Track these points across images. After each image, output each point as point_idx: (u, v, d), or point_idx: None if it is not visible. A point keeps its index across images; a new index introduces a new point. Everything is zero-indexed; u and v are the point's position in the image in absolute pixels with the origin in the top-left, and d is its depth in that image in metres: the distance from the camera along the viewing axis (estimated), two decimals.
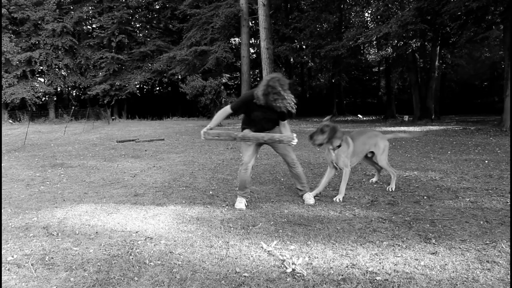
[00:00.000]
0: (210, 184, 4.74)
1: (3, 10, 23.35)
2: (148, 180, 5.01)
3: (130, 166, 6.21)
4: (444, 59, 20.29)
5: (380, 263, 2.35)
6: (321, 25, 21.56)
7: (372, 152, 4.28)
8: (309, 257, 2.45)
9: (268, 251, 2.56)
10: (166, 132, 12.85)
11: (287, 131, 3.63)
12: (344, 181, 3.90)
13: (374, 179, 4.67)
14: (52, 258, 2.49)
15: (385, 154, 4.20)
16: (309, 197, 3.78)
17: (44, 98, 26.39)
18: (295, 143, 3.41)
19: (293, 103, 3.38)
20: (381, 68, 31.11)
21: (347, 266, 2.31)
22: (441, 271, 2.23)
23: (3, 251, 2.60)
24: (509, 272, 2.19)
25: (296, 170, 3.80)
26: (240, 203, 3.65)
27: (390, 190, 4.20)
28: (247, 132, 3.55)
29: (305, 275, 2.20)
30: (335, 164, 3.93)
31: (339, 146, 3.84)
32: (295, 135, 3.42)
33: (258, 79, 29.09)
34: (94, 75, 26.46)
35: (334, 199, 3.85)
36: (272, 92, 3.27)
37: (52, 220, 3.30)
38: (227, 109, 3.50)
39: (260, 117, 3.54)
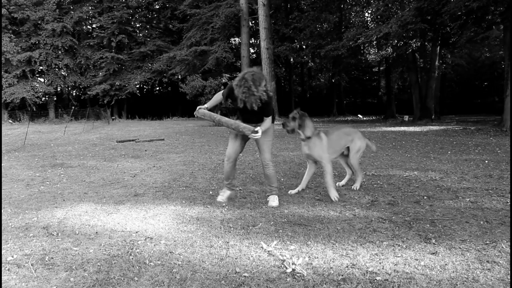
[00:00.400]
0: (210, 184, 4.74)
1: (3, 10, 23.36)
2: (148, 180, 5.01)
3: (130, 166, 6.21)
4: (444, 59, 20.30)
5: (380, 263, 2.35)
6: (321, 25, 21.57)
7: (348, 149, 4.24)
8: (309, 257, 2.45)
9: (268, 251, 2.56)
10: (166, 132, 12.85)
11: (262, 127, 3.52)
12: (328, 175, 3.87)
13: (342, 182, 4.49)
14: (52, 258, 2.49)
15: (359, 153, 4.23)
16: (273, 199, 3.72)
17: (44, 98, 26.39)
18: (254, 136, 3.39)
19: (259, 102, 3.34)
20: (381, 68, 31.13)
21: (347, 266, 2.31)
22: (441, 271, 2.23)
23: (3, 251, 2.60)
24: (509, 272, 2.19)
25: (268, 171, 3.75)
26: (222, 195, 3.85)
27: (355, 188, 4.23)
28: (222, 117, 3.64)
29: (305, 275, 2.20)
30: (312, 159, 3.97)
31: (309, 138, 3.85)
32: (259, 129, 3.40)
33: None
34: (94, 75, 26.47)
35: (332, 198, 3.84)
36: (243, 85, 3.27)
37: (52, 220, 3.30)
38: (219, 93, 3.68)
39: (240, 107, 3.50)
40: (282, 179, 4.96)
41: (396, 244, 2.63)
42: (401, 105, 30.32)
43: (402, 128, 13.30)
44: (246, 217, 3.32)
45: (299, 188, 4.17)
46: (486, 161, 5.99)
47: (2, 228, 3.10)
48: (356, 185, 4.29)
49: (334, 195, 3.84)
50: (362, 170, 4.57)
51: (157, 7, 28.72)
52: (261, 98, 3.33)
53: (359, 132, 4.30)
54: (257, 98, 3.30)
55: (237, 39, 26.46)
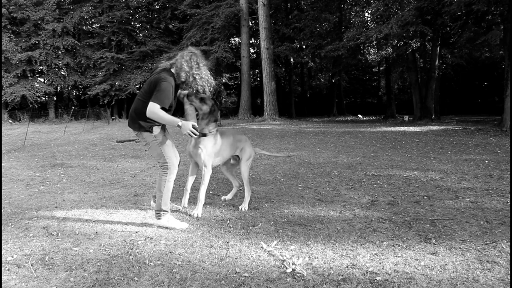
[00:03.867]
0: (210, 184, 4.74)
1: (3, 10, 23.35)
2: (148, 180, 5.01)
3: (130, 166, 6.21)
4: (444, 59, 20.29)
5: (380, 263, 2.35)
6: (321, 25, 21.56)
7: (237, 158, 3.67)
8: (309, 257, 2.45)
9: (268, 251, 2.55)
10: None
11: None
12: (204, 186, 3.31)
13: (228, 197, 3.90)
14: (52, 258, 2.49)
15: (249, 162, 3.63)
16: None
17: (44, 98, 26.38)
18: (183, 132, 2.91)
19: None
20: (381, 68, 31.13)
21: (347, 266, 2.30)
22: (441, 271, 2.23)
23: (3, 251, 2.60)
24: (509, 272, 2.19)
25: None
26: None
27: (243, 210, 3.51)
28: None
29: (305, 275, 2.20)
30: (196, 160, 3.34)
31: (204, 135, 3.19)
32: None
33: (258, 79, 29.11)
34: (94, 74, 26.45)
35: (192, 213, 3.33)
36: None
37: (52, 220, 3.30)
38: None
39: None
40: (282, 179, 4.96)
41: (396, 244, 2.63)
42: (401, 105, 30.32)
43: (402, 128, 13.29)
44: (246, 217, 3.32)
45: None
46: (486, 161, 5.99)
47: (2, 228, 3.10)
48: (245, 206, 3.58)
49: (197, 213, 3.35)
50: (250, 186, 3.76)
51: (157, 7, 28.68)
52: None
53: (249, 141, 3.72)
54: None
55: (237, 39, 26.44)
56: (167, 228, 3.03)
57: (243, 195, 3.71)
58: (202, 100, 3.12)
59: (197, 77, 2.94)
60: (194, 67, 2.92)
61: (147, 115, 2.80)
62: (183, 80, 2.93)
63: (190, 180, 3.44)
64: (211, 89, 3.05)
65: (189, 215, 3.35)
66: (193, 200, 3.78)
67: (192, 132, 2.90)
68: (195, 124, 2.96)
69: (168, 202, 3.08)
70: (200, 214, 3.33)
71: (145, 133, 2.98)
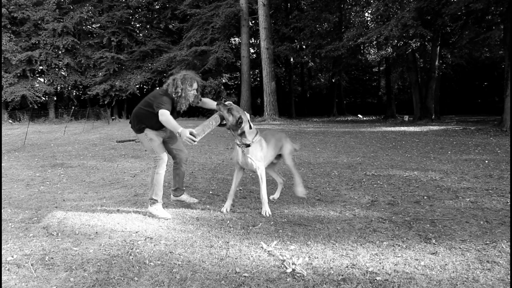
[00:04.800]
0: (210, 184, 4.74)
1: (3, 10, 23.35)
2: (148, 180, 5.01)
3: (130, 166, 6.21)
4: (444, 59, 20.29)
5: (380, 263, 2.35)
6: (321, 25, 21.56)
7: (278, 157, 3.80)
8: (309, 257, 2.45)
9: (268, 251, 2.55)
10: None
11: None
12: (263, 186, 3.43)
13: (275, 196, 3.98)
14: (52, 258, 2.49)
15: (291, 156, 3.78)
16: (189, 198, 3.81)
17: (44, 98, 26.39)
18: (182, 139, 3.16)
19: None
20: (381, 68, 31.13)
21: (347, 266, 2.30)
22: (441, 271, 2.23)
23: (3, 251, 2.60)
24: (509, 272, 2.19)
25: (184, 168, 3.73)
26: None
27: (299, 193, 3.66)
28: (206, 125, 3.42)
29: (305, 275, 2.20)
30: (248, 168, 3.50)
31: (248, 145, 3.32)
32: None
33: (258, 79, 29.10)
34: (94, 74, 26.46)
35: (262, 213, 3.38)
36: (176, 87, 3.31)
37: (52, 220, 3.30)
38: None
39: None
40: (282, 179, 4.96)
41: (396, 244, 2.63)
42: (401, 105, 30.32)
43: (402, 128, 13.29)
44: (246, 217, 3.32)
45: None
46: (486, 161, 5.99)
47: (2, 228, 3.10)
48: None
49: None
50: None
51: (157, 7, 28.70)
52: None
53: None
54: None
55: (237, 39, 26.46)
56: (152, 214, 3.37)
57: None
58: (229, 110, 3.25)
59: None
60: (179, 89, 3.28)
61: (159, 118, 3.16)
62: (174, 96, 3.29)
63: (234, 186, 3.57)
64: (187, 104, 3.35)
65: (261, 215, 3.38)
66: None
67: (191, 139, 3.00)
68: (194, 131, 3.06)
69: (158, 193, 3.41)
70: (269, 211, 3.42)
71: (140, 135, 3.45)
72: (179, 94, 3.25)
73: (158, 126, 3.35)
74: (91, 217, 3.38)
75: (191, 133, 3.02)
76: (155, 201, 3.40)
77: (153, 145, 3.40)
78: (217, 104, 3.36)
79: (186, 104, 3.33)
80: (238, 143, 3.34)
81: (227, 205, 3.52)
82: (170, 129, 3.22)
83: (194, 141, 3.03)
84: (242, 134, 3.29)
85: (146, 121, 3.35)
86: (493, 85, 29.43)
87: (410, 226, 3.02)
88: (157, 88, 3.64)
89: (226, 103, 3.30)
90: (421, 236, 2.78)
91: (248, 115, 3.39)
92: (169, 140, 3.57)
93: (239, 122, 3.22)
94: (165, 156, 3.43)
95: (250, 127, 3.31)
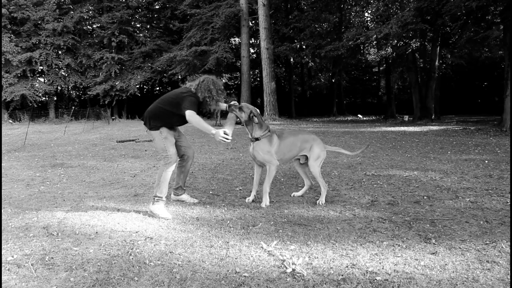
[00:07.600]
0: (210, 184, 4.74)
1: (3, 10, 23.34)
2: (148, 180, 5.01)
3: (130, 166, 6.21)
4: (444, 59, 20.29)
5: (380, 263, 2.35)
6: (321, 25, 21.56)
7: (306, 158, 3.87)
8: (309, 257, 2.45)
9: (268, 251, 2.56)
10: None
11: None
12: (268, 178, 3.63)
13: (298, 193, 4.05)
14: (52, 258, 2.49)
15: (318, 162, 3.80)
16: (189, 198, 3.90)
17: (44, 98, 26.39)
18: (216, 139, 3.31)
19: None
20: (381, 68, 31.10)
21: (347, 266, 2.31)
22: (441, 271, 2.23)
23: (3, 251, 2.60)
24: (509, 272, 2.19)
25: (189, 166, 3.82)
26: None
27: (320, 204, 3.68)
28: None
29: (305, 275, 2.20)
30: (256, 161, 3.72)
31: (257, 139, 3.61)
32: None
33: (258, 79, 29.10)
34: (94, 75, 26.44)
35: (261, 205, 3.55)
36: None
37: (52, 220, 3.30)
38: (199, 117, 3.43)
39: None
40: (282, 179, 4.96)
41: (396, 244, 2.63)
42: (401, 105, 30.31)
43: (402, 128, 13.30)
44: (246, 217, 3.32)
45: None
46: (486, 161, 5.99)
47: (2, 228, 3.10)
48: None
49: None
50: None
51: (157, 7, 28.69)
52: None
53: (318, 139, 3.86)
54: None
55: (237, 39, 26.43)
56: (153, 213, 3.36)
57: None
58: (240, 109, 3.58)
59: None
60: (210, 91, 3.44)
61: (188, 119, 3.27)
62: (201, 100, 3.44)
63: (256, 178, 3.82)
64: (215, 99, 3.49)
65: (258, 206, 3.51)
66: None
67: (225, 138, 3.23)
68: (227, 130, 3.31)
69: (164, 190, 3.45)
70: (267, 203, 3.63)
71: (154, 132, 3.46)
72: (212, 97, 3.42)
73: (176, 125, 3.53)
74: (91, 217, 3.38)
75: (224, 133, 3.24)
76: (159, 199, 3.43)
77: (166, 144, 3.45)
78: (228, 106, 3.62)
79: (214, 106, 3.50)
80: (250, 137, 3.64)
81: (251, 196, 3.81)
82: (201, 129, 3.30)
83: (229, 139, 3.25)
84: (254, 128, 3.59)
85: (164, 119, 3.43)
86: (493, 85, 29.43)
87: (410, 226, 3.02)
88: (182, 86, 3.65)
89: (234, 103, 3.64)
90: (421, 236, 2.78)
91: (258, 111, 3.66)
92: (177, 138, 3.64)
93: (251, 116, 3.55)
94: (175, 156, 3.50)
95: (260, 123, 3.59)
